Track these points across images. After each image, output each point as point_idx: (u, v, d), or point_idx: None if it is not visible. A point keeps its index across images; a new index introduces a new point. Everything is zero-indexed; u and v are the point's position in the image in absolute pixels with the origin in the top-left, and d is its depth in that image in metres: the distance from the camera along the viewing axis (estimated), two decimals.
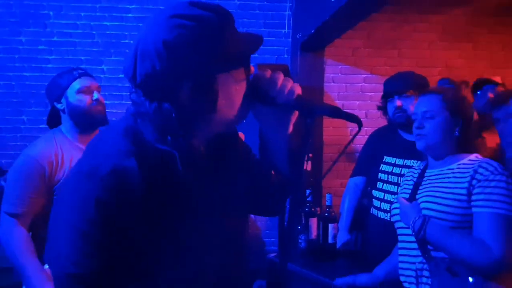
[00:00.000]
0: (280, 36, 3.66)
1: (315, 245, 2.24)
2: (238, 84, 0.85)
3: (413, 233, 1.45)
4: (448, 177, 1.47)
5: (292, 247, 2.25)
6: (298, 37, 3.37)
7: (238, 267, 0.99)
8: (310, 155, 3.02)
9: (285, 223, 0.95)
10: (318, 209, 2.34)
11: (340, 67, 3.68)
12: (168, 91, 0.79)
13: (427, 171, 1.59)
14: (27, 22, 3.48)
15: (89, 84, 1.84)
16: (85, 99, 1.81)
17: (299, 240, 2.27)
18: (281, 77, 0.88)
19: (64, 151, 1.80)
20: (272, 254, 2.36)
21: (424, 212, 1.46)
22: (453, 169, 1.49)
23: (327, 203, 2.23)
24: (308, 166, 2.87)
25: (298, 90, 0.88)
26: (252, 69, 0.89)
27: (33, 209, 1.73)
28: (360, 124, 0.85)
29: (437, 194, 1.46)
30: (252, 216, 3.64)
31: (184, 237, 0.85)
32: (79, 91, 1.80)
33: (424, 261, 1.45)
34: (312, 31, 2.97)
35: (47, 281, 1.67)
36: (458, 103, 1.52)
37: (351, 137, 3.71)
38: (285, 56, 3.64)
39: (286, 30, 3.65)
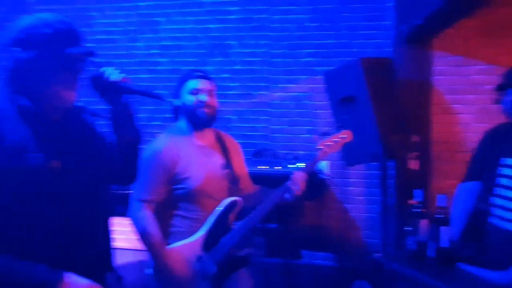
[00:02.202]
0: (381, 29, 3.52)
1: (425, 248, 2.12)
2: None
3: None
4: None
5: (400, 248, 2.16)
6: (402, 29, 3.21)
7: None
8: (417, 153, 2.86)
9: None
10: (428, 210, 2.21)
11: (449, 58, 3.41)
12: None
13: None
14: (143, 29, 3.84)
15: (199, 86, 1.99)
16: (192, 99, 1.96)
17: (409, 242, 2.17)
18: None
19: (180, 146, 1.96)
20: (377, 254, 2.30)
21: None
22: None
23: (439, 204, 2.09)
24: (416, 165, 2.72)
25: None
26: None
27: (157, 197, 1.95)
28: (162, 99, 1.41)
29: None
30: (351, 215, 3.57)
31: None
32: (189, 91, 1.97)
33: None
34: (419, 22, 2.80)
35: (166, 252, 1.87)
36: None
37: (464, 134, 3.43)
38: (388, 49, 3.49)
39: (389, 22, 3.50)
